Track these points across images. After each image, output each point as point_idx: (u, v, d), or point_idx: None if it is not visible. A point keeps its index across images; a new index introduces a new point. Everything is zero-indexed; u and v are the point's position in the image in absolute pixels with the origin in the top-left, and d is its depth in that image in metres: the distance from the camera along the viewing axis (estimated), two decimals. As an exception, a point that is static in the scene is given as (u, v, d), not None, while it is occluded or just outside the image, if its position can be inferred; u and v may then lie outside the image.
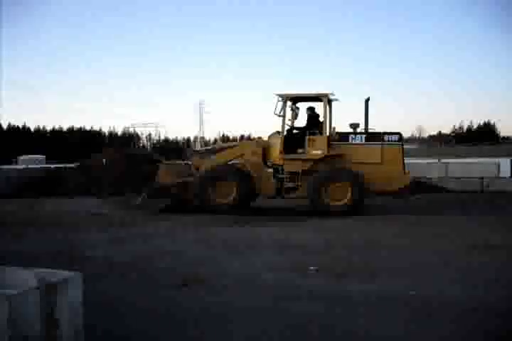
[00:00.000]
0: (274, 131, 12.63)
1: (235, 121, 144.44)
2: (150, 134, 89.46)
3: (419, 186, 17.05)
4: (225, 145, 14.93)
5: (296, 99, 12.46)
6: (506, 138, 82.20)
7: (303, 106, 12.70)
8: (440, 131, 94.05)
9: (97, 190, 16.67)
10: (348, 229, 9.41)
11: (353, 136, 11.95)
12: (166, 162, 13.25)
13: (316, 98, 12.20)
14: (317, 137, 11.83)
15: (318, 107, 12.29)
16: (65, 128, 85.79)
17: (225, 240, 8.15)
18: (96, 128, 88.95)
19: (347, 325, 4.04)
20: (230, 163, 12.92)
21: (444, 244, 7.68)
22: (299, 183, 11.89)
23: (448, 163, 20.71)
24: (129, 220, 10.66)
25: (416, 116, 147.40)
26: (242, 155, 12.64)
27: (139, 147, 75.19)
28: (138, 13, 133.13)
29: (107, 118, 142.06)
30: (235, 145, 13.66)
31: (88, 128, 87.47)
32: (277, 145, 12.06)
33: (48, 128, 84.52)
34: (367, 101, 12.17)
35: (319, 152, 11.76)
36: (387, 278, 5.58)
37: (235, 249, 7.40)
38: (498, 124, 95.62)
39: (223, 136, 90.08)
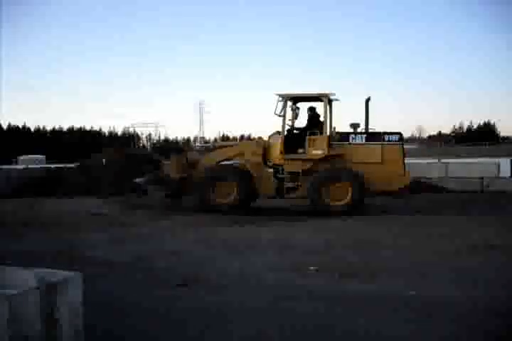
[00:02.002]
0: (275, 131, 12.64)
1: (235, 121, 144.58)
2: (150, 134, 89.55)
3: (419, 186, 17.04)
4: (225, 143, 14.88)
5: (296, 99, 12.46)
6: (506, 138, 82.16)
7: (303, 106, 12.73)
8: (440, 131, 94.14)
9: (97, 190, 16.66)
10: (348, 229, 9.41)
11: (354, 136, 11.95)
12: (177, 155, 13.18)
13: (317, 98, 12.20)
14: (317, 137, 11.82)
15: (319, 107, 12.31)
16: (65, 128, 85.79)
17: (225, 240, 8.15)
18: (96, 128, 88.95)
19: (347, 325, 4.04)
20: (229, 162, 12.93)
21: (444, 244, 7.68)
22: (299, 183, 11.89)
23: (448, 163, 20.70)
24: (129, 220, 10.65)
25: (416, 116, 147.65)
26: (242, 153, 12.64)
27: (139, 147, 75.12)
28: (139, 13, 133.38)
29: (107, 118, 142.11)
30: (235, 144, 13.69)
31: (88, 128, 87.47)
32: (277, 146, 12.06)
33: (48, 128, 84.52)
34: (367, 101, 12.16)
35: (319, 152, 11.76)
36: (387, 278, 5.58)
37: (235, 248, 7.40)
38: (498, 124, 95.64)
39: (223, 136, 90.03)
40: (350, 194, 11.35)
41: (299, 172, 11.91)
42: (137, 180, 13.31)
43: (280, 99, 12.00)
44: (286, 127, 12.20)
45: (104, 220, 10.63)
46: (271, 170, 12.60)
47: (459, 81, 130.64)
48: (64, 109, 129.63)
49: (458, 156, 33.92)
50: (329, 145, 11.81)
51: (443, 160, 22.11)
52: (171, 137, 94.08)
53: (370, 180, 11.42)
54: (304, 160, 11.89)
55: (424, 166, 19.92)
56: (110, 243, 7.93)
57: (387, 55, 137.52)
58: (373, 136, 11.92)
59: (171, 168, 12.70)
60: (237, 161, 12.93)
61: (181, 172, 12.58)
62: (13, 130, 77.25)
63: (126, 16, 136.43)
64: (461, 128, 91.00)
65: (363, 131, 12.14)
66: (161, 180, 12.70)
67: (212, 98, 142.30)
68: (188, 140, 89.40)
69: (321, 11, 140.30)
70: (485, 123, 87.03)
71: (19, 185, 17.30)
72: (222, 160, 12.89)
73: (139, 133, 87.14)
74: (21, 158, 52.74)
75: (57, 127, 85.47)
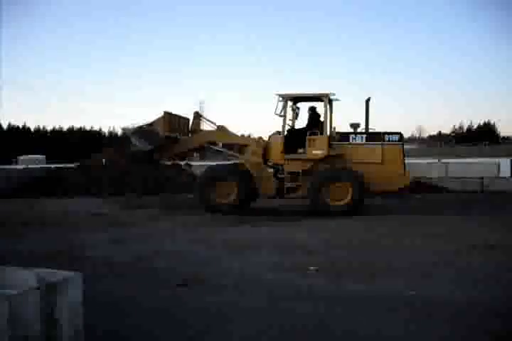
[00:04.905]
0: (275, 131, 12.64)
1: (235, 121, 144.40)
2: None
3: (419, 186, 17.05)
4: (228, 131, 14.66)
5: (296, 99, 12.47)
6: (506, 138, 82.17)
7: (303, 106, 12.72)
8: (440, 131, 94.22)
9: (97, 190, 16.66)
10: (348, 229, 9.41)
11: (354, 136, 11.95)
12: (171, 113, 12.91)
13: (317, 98, 12.20)
14: (318, 137, 11.82)
15: (319, 107, 12.32)
16: (65, 128, 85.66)
17: (225, 240, 8.15)
18: (96, 128, 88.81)
19: (347, 325, 4.04)
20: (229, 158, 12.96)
21: (443, 243, 7.68)
22: (300, 183, 11.89)
23: (448, 163, 20.70)
24: (129, 220, 10.65)
25: (416, 116, 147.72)
26: (242, 145, 12.69)
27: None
28: (140, 13, 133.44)
29: (107, 118, 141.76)
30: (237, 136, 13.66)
31: (88, 128, 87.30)
32: (278, 146, 12.06)
33: (48, 128, 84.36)
34: (367, 101, 12.16)
35: (320, 152, 11.76)
36: (387, 278, 5.58)
37: (235, 248, 7.40)
38: (498, 124, 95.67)
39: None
40: (350, 194, 11.34)
41: (299, 172, 11.91)
42: (125, 127, 13.08)
43: (280, 99, 11.99)
44: (287, 127, 12.20)
45: (104, 220, 10.63)
46: (271, 170, 12.60)
47: (459, 81, 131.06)
48: (64, 109, 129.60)
49: (458, 156, 33.92)
50: (329, 146, 11.80)
51: (443, 160, 22.12)
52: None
53: (370, 180, 11.42)
54: (304, 160, 11.89)
55: (424, 166, 19.93)
56: (110, 243, 7.93)
57: (388, 55, 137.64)
58: (373, 136, 11.91)
59: (161, 124, 12.41)
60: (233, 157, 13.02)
61: (171, 131, 12.50)
62: (13, 130, 77.10)
63: (128, 16, 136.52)
64: (461, 128, 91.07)
65: (363, 131, 12.14)
66: (148, 133, 12.41)
67: (212, 98, 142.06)
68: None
69: (322, 10, 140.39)
70: (485, 123, 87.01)
71: (19, 185, 17.28)
72: (217, 143, 13.08)
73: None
74: (21, 158, 52.76)
75: (57, 127, 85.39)
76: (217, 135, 12.97)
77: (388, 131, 12.07)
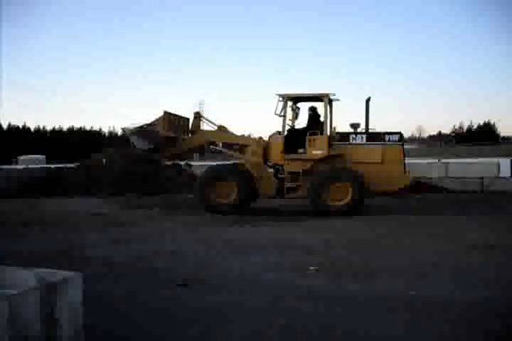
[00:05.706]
0: (275, 131, 12.65)
1: (235, 122, 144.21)
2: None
3: (419, 186, 17.05)
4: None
5: (296, 99, 12.47)
6: (506, 138, 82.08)
7: (303, 106, 12.73)
8: (440, 131, 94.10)
9: (97, 190, 16.66)
10: (348, 229, 9.41)
11: (354, 136, 11.96)
12: (171, 113, 12.87)
13: (317, 98, 12.21)
14: (318, 137, 11.82)
15: (319, 107, 12.31)
16: (65, 128, 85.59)
17: (225, 240, 8.15)
18: (96, 128, 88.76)
19: (347, 325, 4.04)
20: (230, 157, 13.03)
21: (443, 243, 7.68)
22: (300, 183, 11.90)
23: (448, 163, 20.70)
24: (129, 220, 10.65)
25: (416, 116, 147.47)
26: (242, 145, 12.76)
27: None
28: (141, 13, 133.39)
29: (107, 118, 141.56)
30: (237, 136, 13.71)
31: (88, 128, 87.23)
32: (278, 146, 12.07)
33: (48, 128, 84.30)
34: (367, 101, 12.16)
35: (320, 152, 11.77)
36: (387, 278, 5.58)
37: (235, 248, 7.41)
38: (498, 124, 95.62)
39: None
40: (350, 194, 11.34)
41: (299, 172, 11.91)
42: (125, 127, 13.01)
43: (280, 99, 12.00)
44: (287, 127, 12.21)
45: (105, 220, 10.62)
46: (271, 170, 12.61)
47: (459, 81, 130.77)
48: (64, 109, 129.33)
49: (458, 156, 33.90)
50: (329, 146, 11.81)
51: (443, 160, 22.11)
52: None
53: (370, 180, 11.42)
54: (304, 160, 11.89)
55: (424, 166, 19.92)
56: (110, 243, 7.93)
57: (387, 55, 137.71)
58: (373, 136, 11.93)
59: (161, 124, 12.36)
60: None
61: (171, 131, 12.48)
62: (13, 130, 77.07)
63: (129, 16, 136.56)
64: (461, 128, 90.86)
65: (363, 131, 12.15)
66: (147, 133, 12.39)
67: (212, 98, 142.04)
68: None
69: (322, 10, 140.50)
70: (485, 123, 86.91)
71: (19, 185, 17.26)
72: (217, 143, 13.18)
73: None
74: (21, 158, 52.64)
75: (57, 127, 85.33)
76: (217, 135, 12.99)
77: (388, 131, 12.09)
